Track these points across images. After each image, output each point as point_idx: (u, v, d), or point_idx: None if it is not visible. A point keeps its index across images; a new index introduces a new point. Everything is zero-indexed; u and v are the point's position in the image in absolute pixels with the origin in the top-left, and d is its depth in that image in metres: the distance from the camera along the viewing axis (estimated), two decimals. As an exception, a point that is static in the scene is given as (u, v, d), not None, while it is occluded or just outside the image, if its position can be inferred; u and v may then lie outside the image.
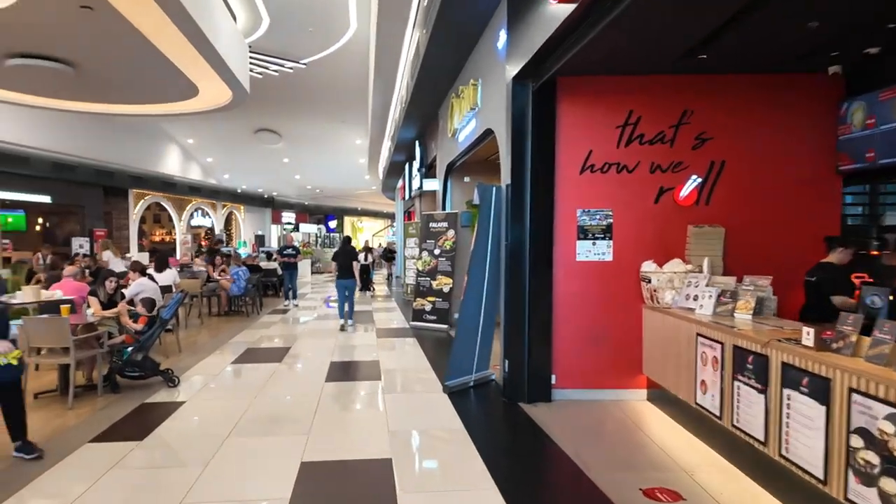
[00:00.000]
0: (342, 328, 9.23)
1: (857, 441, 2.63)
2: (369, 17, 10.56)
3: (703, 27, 3.98)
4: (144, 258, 13.06)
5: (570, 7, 3.64)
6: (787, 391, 3.17)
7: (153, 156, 19.34)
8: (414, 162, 13.14)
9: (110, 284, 5.69)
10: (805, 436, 3.00)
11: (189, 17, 6.79)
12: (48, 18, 6.81)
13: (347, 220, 44.30)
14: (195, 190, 24.43)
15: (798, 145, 5.16)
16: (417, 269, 9.59)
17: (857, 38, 4.23)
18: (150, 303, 5.83)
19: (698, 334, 4.17)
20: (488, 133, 6.33)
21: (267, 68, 13.60)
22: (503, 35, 5.48)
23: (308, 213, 39.35)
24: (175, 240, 24.05)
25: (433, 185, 10.74)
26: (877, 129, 4.63)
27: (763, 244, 5.11)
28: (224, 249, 18.00)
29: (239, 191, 29.34)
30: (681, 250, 5.16)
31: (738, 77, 5.08)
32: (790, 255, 4.97)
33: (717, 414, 3.89)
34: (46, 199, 15.71)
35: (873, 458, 2.53)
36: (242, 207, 31.02)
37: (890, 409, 2.44)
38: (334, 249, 15.13)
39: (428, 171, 12.04)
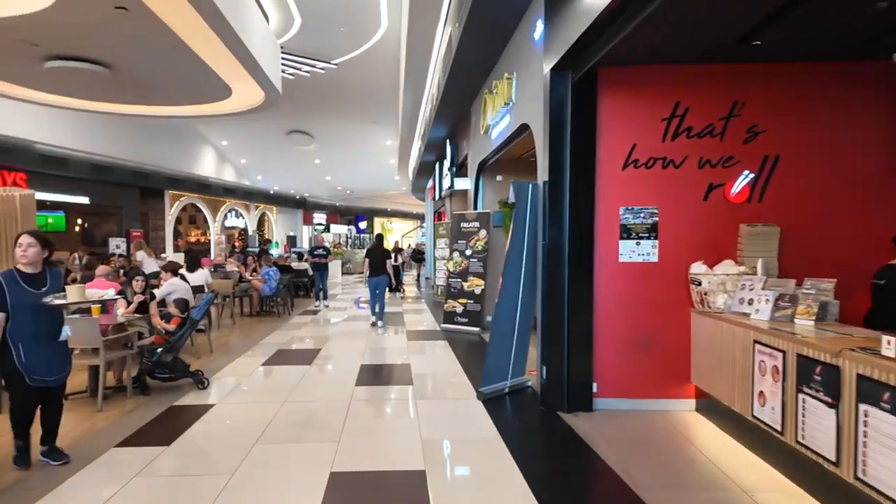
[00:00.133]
0: (373, 325, 9.44)
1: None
2: (400, 15, 10.44)
3: (760, 10, 3.67)
4: (180, 259, 13.19)
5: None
6: (863, 407, 2.84)
7: (189, 157, 19.66)
8: (444, 161, 12.94)
9: (137, 284, 5.63)
10: (887, 457, 2.68)
11: (222, 18, 6.76)
12: (84, 19, 6.85)
13: (377, 220, 44.48)
14: (229, 191, 24.78)
15: (861, 138, 4.76)
16: (448, 270, 9.38)
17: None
18: (182, 303, 5.77)
19: (756, 341, 3.85)
20: (523, 129, 6.09)
21: (299, 69, 13.62)
22: (540, 25, 5.23)
23: (339, 214, 39.65)
24: (210, 240, 24.41)
25: (465, 184, 10.52)
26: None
27: (821, 245, 4.73)
28: (256, 250, 18.13)
29: (272, 192, 29.68)
30: (732, 251, 4.83)
31: (794, 66, 4.72)
32: (852, 257, 4.59)
33: (778, 429, 3.56)
34: (85, 200, 16.07)
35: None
36: (275, 208, 31.38)
37: None
38: (364, 249, 15.12)
39: (459, 170, 11.83)
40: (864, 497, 2.80)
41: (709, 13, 3.76)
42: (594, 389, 4.93)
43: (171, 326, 5.53)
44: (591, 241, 4.91)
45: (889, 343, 2.76)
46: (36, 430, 3.80)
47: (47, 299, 3.58)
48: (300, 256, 15.17)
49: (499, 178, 9.43)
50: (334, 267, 19.71)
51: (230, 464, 3.75)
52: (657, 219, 4.91)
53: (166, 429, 4.43)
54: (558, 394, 4.91)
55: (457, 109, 10.07)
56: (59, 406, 3.90)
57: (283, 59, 12.12)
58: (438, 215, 17.22)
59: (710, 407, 4.70)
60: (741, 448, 4.09)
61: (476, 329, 8.67)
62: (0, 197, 5.87)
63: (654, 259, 4.92)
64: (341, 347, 7.86)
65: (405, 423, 4.61)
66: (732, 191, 4.88)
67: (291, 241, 31.90)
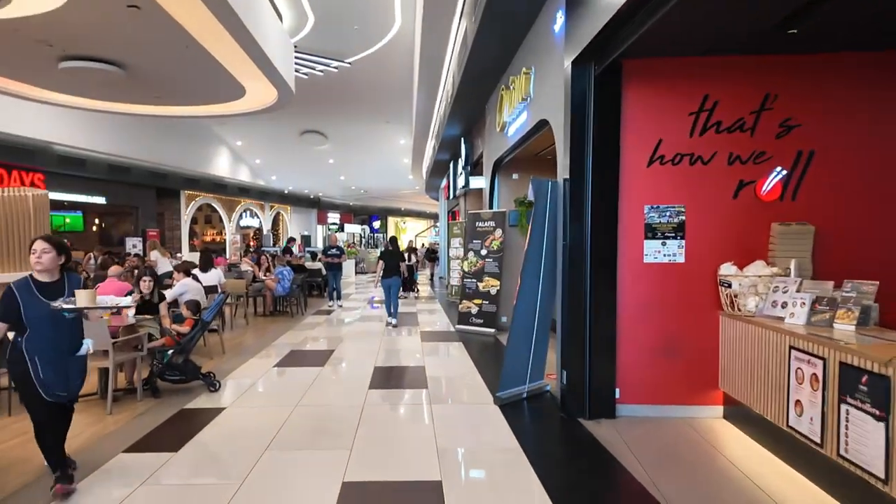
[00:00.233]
0: (388, 325, 9.53)
1: None
2: (414, 12, 10.28)
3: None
4: (196, 258, 13.17)
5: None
6: (918, 421, 2.63)
7: (204, 158, 19.71)
8: (459, 160, 12.77)
9: (144, 284, 5.53)
10: (945, 477, 2.46)
11: (235, 16, 6.67)
12: (97, 19, 6.80)
13: (391, 220, 44.45)
14: (244, 191, 24.84)
15: (902, 131, 4.51)
16: (463, 271, 9.21)
17: None
18: (194, 305, 5.67)
19: (792, 347, 3.63)
20: (542, 125, 5.90)
21: (313, 69, 13.53)
22: (560, 17, 5.04)
23: (353, 213, 39.67)
24: (225, 240, 24.50)
25: (479, 182, 10.34)
26: None
27: (858, 245, 4.48)
28: (271, 250, 18.10)
29: (286, 192, 29.74)
30: (763, 251, 4.60)
31: (832, 56, 4.47)
32: (891, 258, 4.34)
33: (818, 441, 3.34)
34: (101, 200, 16.15)
35: None
36: (289, 208, 31.44)
37: None
38: (378, 249, 15.04)
39: (473, 168, 11.65)
40: (919, 519, 2.58)
41: (744, -1, 3.55)
42: (617, 395, 4.73)
43: (185, 329, 5.42)
44: (615, 241, 4.71)
45: (947, 352, 2.54)
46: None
47: (55, 304, 3.20)
48: (314, 256, 15.07)
49: (515, 176, 9.23)
50: (348, 266, 19.64)
51: (239, 472, 3.61)
52: (684, 218, 4.69)
53: (175, 433, 4.31)
54: (579, 400, 4.71)
55: (472, 107, 9.88)
56: (68, 418, 3.62)
57: (296, 58, 12.03)
58: (452, 214, 17.04)
59: (739, 414, 4.48)
60: (775, 459, 3.87)
61: (491, 330, 8.49)
62: (13, 197, 5.81)
63: (681, 260, 4.70)
64: (355, 348, 7.72)
65: (420, 430, 4.44)
66: (764, 188, 4.64)
67: (306, 240, 31.93)
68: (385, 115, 17.74)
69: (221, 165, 21.03)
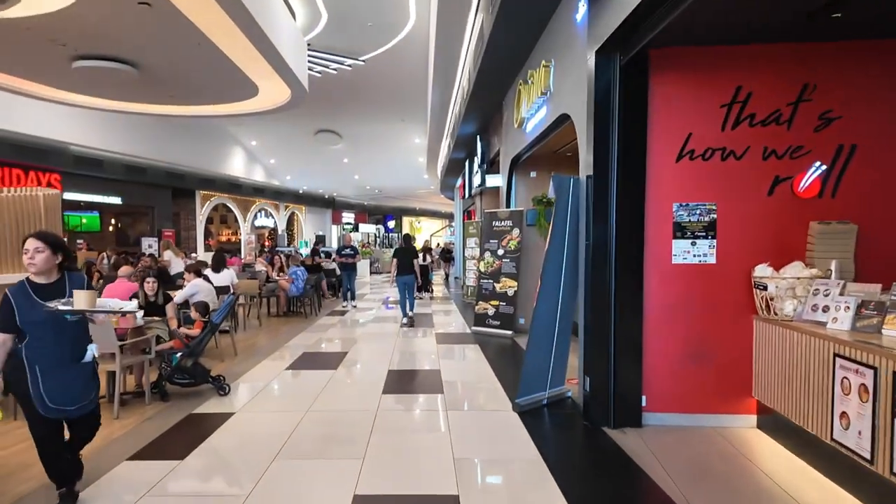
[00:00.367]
0: (403, 325, 9.53)
1: None
2: (429, 7, 10.09)
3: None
4: (211, 259, 13.15)
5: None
6: None
7: (219, 158, 19.73)
8: (475, 158, 12.55)
9: (149, 286, 5.38)
10: None
11: (247, 13, 6.55)
12: (108, 17, 6.72)
13: (406, 220, 44.37)
14: (259, 191, 24.87)
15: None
16: (479, 271, 8.99)
17: None
18: (203, 307, 5.53)
19: (837, 355, 3.37)
20: (562, 120, 5.66)
21: (326, 67, 13.40)
22: (583, 6, 4.80)
23: (367, 213, 39.64)
24: (240, 240, 24.55)
25: (496, 180, 10.11)
26: None
27: (904, 245, 4.20)
28: (285, 250, 18.04)
29: (301, 192, 29.75)
30: (800, 251, 4.32)
31: (877, 43, 4.19)
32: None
33: (867, 457, 3.08)
34: (118, 200, 16.20)
35: None
36: (304, 208, 31.46)
37: None
38: (392, 249, 14.94)
39: (490, 167, 11.43)
40: None
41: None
42: (643, 403, 4.48)
43: (195, 331, 5.28)
44: (641, 241, 4.46)
45: None
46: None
47: (50, 305, 2.85)
48: (327, 256, 14.97)
49: (532, 174, 9.00)
50: (362, 267, 19.52)
51: (246, 483, 3.43)
52: (715, 216, 4.43)
53: (183, 440, 4.16)
54: (603, 407, 4.47)
55: (488, 103, 9.67)
56: (84, 436, 3.28)
57: (310, 56, 11.91)
58: (468, 214, 16.84)
59: (774, 424, 4.22)
60: (816, 474, 3.61)
61: (509, 332, 8.26)
62: (24, 196, 5.71)
63: (712, 261, 4.45)
64: (368, 350, 7.55)
65: (436, 439, 4.23)
66: (801, 185, 4.37)
67: (320, 240, 31.93)
68: (400, 114, 17.59)
69: (236, 165, 21.05)
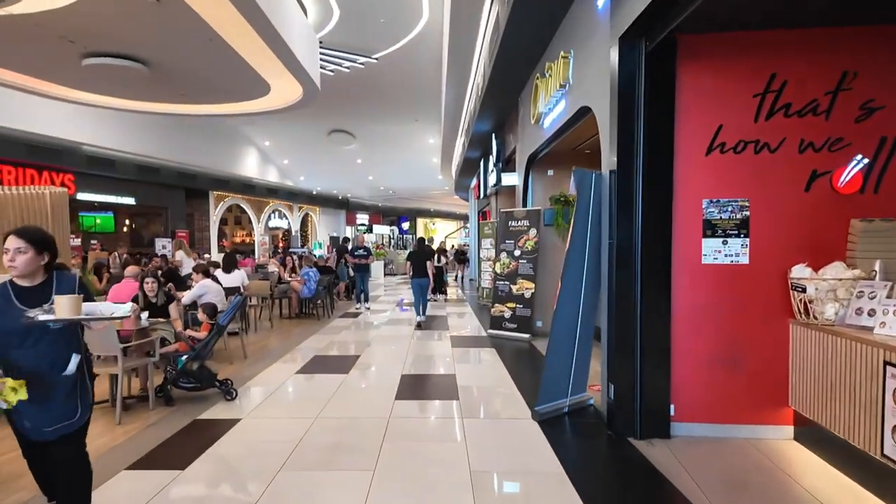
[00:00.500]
0: (418, 326, 9.60)
1: None
2: (443, 3, 9.88)
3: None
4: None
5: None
6: None
7: (232, 158, 19.70)
8: (490, 157, 12.31)
9: (149, 287, 5.21)
10: None
11: (258, 10, 6.40)
12: (116, 13, 6.61)
13: (420, 221, 44.23)
14: (273, 192, 24.86)
15: None
16: (495, 272, 8.75)
17: None
18: (211, 308, 5.35)
19: (888, 363, 3.08)
20: (583, 113, 5.41)
21: (339, 65, 13.26)
22: (605, -9, 4.55)
23: (381, 214, 39.56)
24: (254, 241, 24.56)
25: (512, 179, 9.85)
26: None
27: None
28: (299, 251, 17.93)
29: (314, 192, 29.72)
30: (840, 251, 4.03)
31: (924, 26, 3.90)
32: None
33: (925, 476, 2.80)
34: (131, 200, 16.20)
35: None
36: (318, 209, 31.44)
37: None
38: (406, 251, 14.82)
39: (505, 165, 11.18)
40: None
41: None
42: (671, 412, 4.21)
43: (202, 334, 5.11)
44: (668, 240, 4.20)
45: None
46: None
47: (30, 314, 2.47)
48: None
49: (550, 172, 8.73)
50: (376, 268, 19.35)
51: (249, 496, 3.24)
52: (748, 213, 4.16)
53: (185, 448, 3.97)
54: (628, 417, 4.21)
55: (503, 100, 9.42)
56: (67, 466, 2.69)
57: (322, 54, 11.77)
58: (483, 214, 16.60)
59: (814, 436, 3.93)
60: (864, 492, 3.33)
61: (526, 336, 8.01)
62: (29, 195, 5.58)
63: (745, 261, 4.17)
64: (381, 353, 7.34)
65: (451, 450, 3.99)
66: (841, 180, 4.08)
67: (334, 241, 31.87)
68: (414, 114, 17.42)
69: (250, 166, 21.02)
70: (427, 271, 9.79)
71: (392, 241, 35.72)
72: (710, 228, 4.19)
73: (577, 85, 5.55)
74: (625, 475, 3.72)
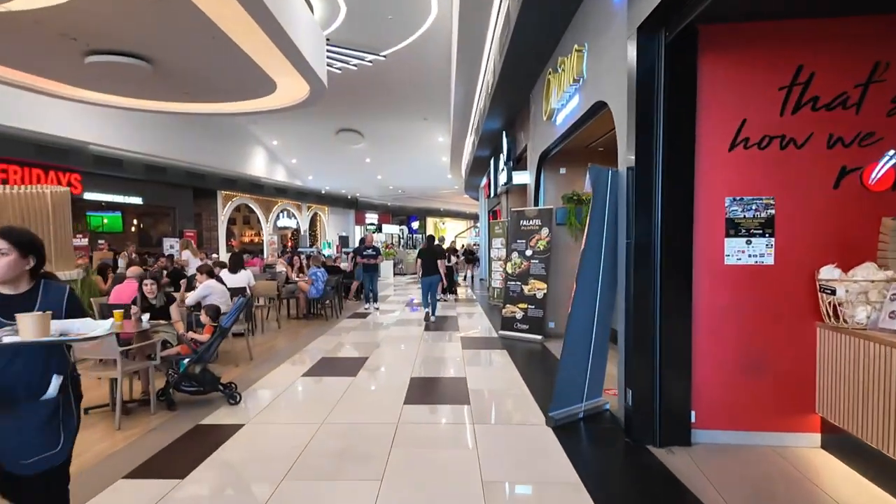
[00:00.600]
0: (426, 318, 9.94)
1: None
2: (452, -1, 9.75)
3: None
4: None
5: None
6: None
7: (240, 157, 19.65)
8: (500, 156, 12.14)
9: (148, 288, 5.08)
10: None
11: (264, 6, 6.26)
12: (118, 9, 6.50)
13: (430, 220, 44.12)
14: (281, 191, 24.81)
15: None
16: (506, 272, 8.59)
17: None
18: (214, 310, 5.23)
19: (928, 371, 2.89)
20: (598, 108, 5.23)
21: (346, 63, 13.13)
22: (621, -19, 4.37)
23: (391, 213, 39.48)
24: (263, 241, 24.53)
25: (524, 177, 9.68)
26: None
27: None
28: (307, 250, 17.85)
29: (323, 192, 29.67)
30: (871, 251, 3.82)
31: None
32: None
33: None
34: (138, 200, 16.17)
35: None
36: (327, 209, 31.39)
37: None
38: (416, 250, 14.74)
39: (516, 164, 11.00)
40: None
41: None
42: (692, 419, 4.03)
43: (205, 336, 4.98)
44: (689, 240, 4.01)
45: None
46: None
47: None
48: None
49: (562, 170, 8.55)
50: (386, 268, 19.23)
51: (252, 507, 3.10)
52: (773, 212, 3.97)
53: (186, 455, 3.83)
54: (647, 423, 4.03)
55: (514, 97, 9.25)
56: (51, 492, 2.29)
57: (329, 52, 11.65)
58: (493, 214, 16.43)
59: (843, 445, 3.74)
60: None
61: (538, 337, 7.84)
62: (29, 194, 5.50)
63: (770, 261, 3.98)
64: (390, 355, 7.20)
65: (462, 458, 3.84)
66: (872, 176, 3.89)
67: (343, 241, 31.85)
68: (422, 112, 17.27)
69: (258, 165, 20.96)
70: (437, 269, 9.99)
71: (401, 240, 35.63)
72: (734, 227, 4.00)
73: (591, 79, 5.37)
74: (645, 485, 3.55)
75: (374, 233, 22.33)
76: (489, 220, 16.29)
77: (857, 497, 3.23)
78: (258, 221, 24.79)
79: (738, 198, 3.99)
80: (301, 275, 10.99)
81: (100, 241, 13.87)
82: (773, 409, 4.00)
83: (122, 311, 4.55)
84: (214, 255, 15.45)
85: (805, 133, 3.93)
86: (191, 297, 6.17)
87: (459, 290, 15.59)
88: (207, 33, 7.15)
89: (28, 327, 2.01)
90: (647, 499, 3.37)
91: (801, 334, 3.93)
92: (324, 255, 15.61)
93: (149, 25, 6.97)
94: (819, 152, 3.92)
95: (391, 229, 37.19)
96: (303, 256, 12.75)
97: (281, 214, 26.44)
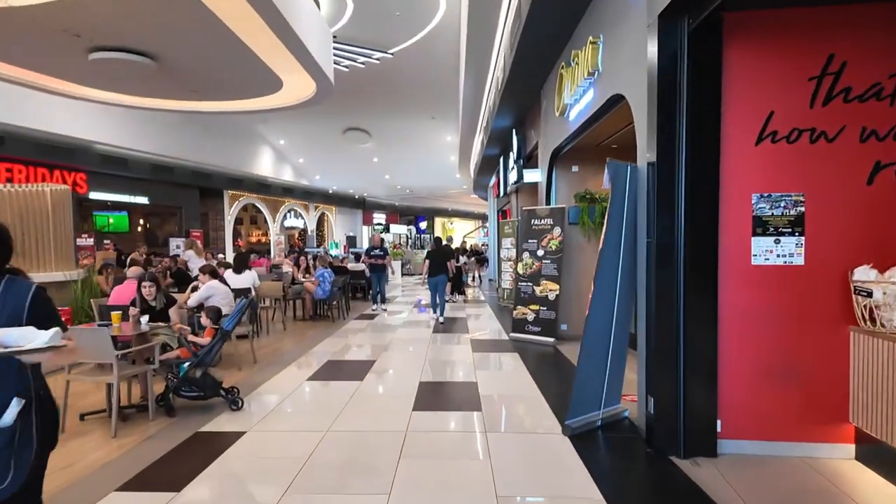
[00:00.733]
0: (436, 320, 9.94)
1: None
2: (461, -7, 9.56)
3: None
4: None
5: None
6: None
7: (247, 157, 19.54)
8: (510, 154, 11.93)
9: (146, 290, 4.91)
10: None
11: (269, 1, 6.08)
12: (120, 5, 6.34)
13: (438, 220, 43.97)
14: (288, 191, 24.70)
15: None
16: (517, 273, 8.38)
17: None
18: (215, 313, 5.06)
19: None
20: (613, 102, 5.02)
21: (354, 61, 12.97)
22: (641, -34, 4.16)
23: (398, 213, 39.36)
24: (270, 241, 24.44)
25: (535, 175, 9.46)
26: None
27: None
28: (314, 251, 17.70)
29: (331, 192, 29.55)
30: (908, 250, 3.60)
31: None
32: None
33: None
34: (144, 200, 16.08)
35: None
36: (334, 209, 31.28)
37: None
38: (424, 250, 14.65)
39: (526, 162, 10.78)
40: None
41: None
42: (718, 428, 3.81)
43: (205, 340, 4.81)
44: (714, 239, 3.80)
45: None
46: None
47: None
48: (357, 257, 14.53)
49: (574, 168, 8.33)
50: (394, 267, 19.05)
51: (253, 523, 2.92)
52: (803, 209, 3.74)
53: (183, 465, 3.65)
54: (670, 433, 3.81)
55: (524, 93, 9.04)
56: None
57: (336, 49, 11.49)
58: (503, 213, 16.22)
59: (879, 456, 3.51)
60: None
61: (550, 339, 7.62)
62: (28, 192, 5.36)
63: (800, 261, 3.76)
64: (398, 359, 7.01)
65: (474, 470, 3.63)
66: (909, 171, 3.66)
67: (351, 241, 31.73)
68: (431, 111, 17.09)
69: (265, 165, 20.85)
70: (444, 269, 10.11)
71: (409, 240, 35.48)
72: (761, 226, 3.78)
73: (607, 72, 5.16)
74: (670, 499, 3.33)
75: (381, 233, 22.19)
76: (498, 219, 16.08)
77: (899, 514, 3.01)
78: (265, 221, 24.70)
79: (765, 194, 3.77)
80: (307, 275, 10.82)
81: (105, 242, 13.78)
82: (804, 418, 3.78)
83: (119, 312, 4.37)
84: (220, 255, 15.33)
85: (837, 126, 3.71)
86: (193, 299, 6.01)
87: (468, 291, 15.40)
88: (212, 29, 6.99)
89: None
90: (674, 516, 3.16)
91: (833, 339, 3.71)
92: (331, 256, 15.46)
93: (153, 21, 6.82)
94: (851, 146, 3.70)
95: (399, 229, 37.06)
96: (309, 256, 12.58)
97: (288, 214, 26.34)
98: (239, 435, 4.18)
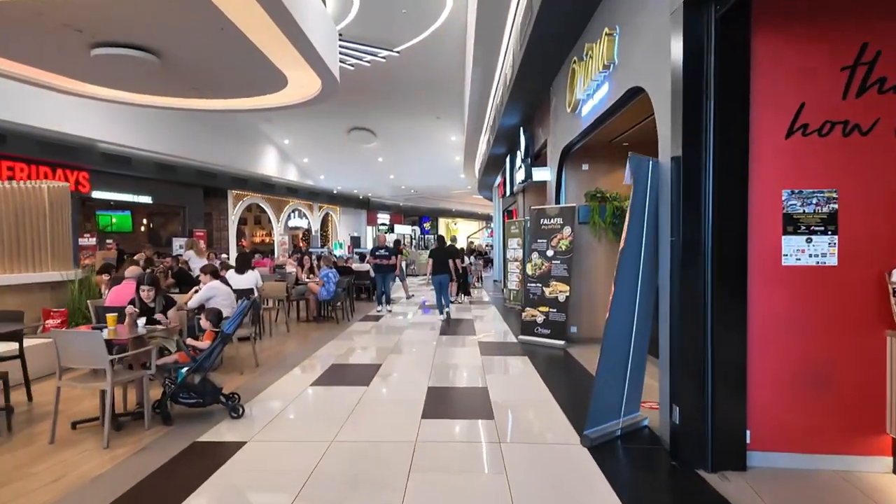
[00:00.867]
0: (444, 320, 10.16)
1: None
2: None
3: None
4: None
5: None
6: None
7: (251, 157, 19.40)
8: (517, 152, 11.72)
9: (145, 293, 4.72)
10: None
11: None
12: (122, 2, 6.17)
13: (442, 221, 43.83)
14: (293, 191, 24.57)
15: None
16: (526, 274, 8.16)
17: None
18: (215, 315, 4.86)
19: None
20: (632, 95, 4.81)
21: (360, 59, 12.80)
22: (662, -46, 3.96)
23: (403, 214, 39.23)
24: (274, 241, 24.31)
25: (544, 174, 9.24)
26: None
27: None
28: (317, 251, 17.53)
29: (335, 192, 29.42)
30: (950, 250, 3.39)
31: None
32: None
33: None
34: (148, 199, 15.93)
35: None
36: (339, 209, 31.16)
37: None
38: (428, 251, 14.53)
39: (534, 160, 10.57)
40: None
41: None
42: (748, 440, 3.60)
43: (205, 343, 4.61)
44: (743, 238, 3.58)
45: None
46: None
47: None
48: (362, 258, 14.35)
49: (585, 167, 8.12)
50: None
51: (253, 543, 2.71)
52: (836, 206, 3.53)
53: (177, 481, 3.42)
54: (697, 445, 3.60)
55: (533, 90, 8.84)
56: None
57: (342, 47, 11.32)
58: (509, 213, 16.00)
59: (919, 471, 3.29)
60: None
61: (560, 342, 7.41)
62: (25, 189, 5.18)
63: (833, 262, 3.54)
64: (405, 362, 6.81)
65: (490, 484, 3.41)
66: (950, 166, 3.44)
67: (355, 241, 31.59)
68: (436, 110, 16.92)
69: (269, 165, 20.71)
70: (447, 268, 10.31)
71: (413, 240, 35.30)
72: (792, 224, 3.57)
73: (624, 64, 4.95)
74: (698, 518, 3.12)
75: (386, 233, 21.98)
76: (504, 220, 15.86)
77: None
78: (269, 221, 24.56)
79: (796, 190, 3.56)
80: (311, 276, 10.63)
81: (108, 241, 13.63)
82: (838, 429, 3.56)
83: (115, 314, 4.19)
84: (223, 256, 15.17)
85: (871, 118, 3.50)
86: (193, 300, 5.83)
87: (473, 292, 15.19)
88: (216, 24, 6.82)
89: None
90: (704, 535, 2.94)
91: (869, 344, 3.49)
92: (335, 256, 15.27)
93: (156, 16, 6.65)
94: (887, 139, 3.49)
95: (403, 230, 36.90)
96: (313, 256, 12.39)
97: (292, 214, 26.20)
98: (239, 445, 3.96)
